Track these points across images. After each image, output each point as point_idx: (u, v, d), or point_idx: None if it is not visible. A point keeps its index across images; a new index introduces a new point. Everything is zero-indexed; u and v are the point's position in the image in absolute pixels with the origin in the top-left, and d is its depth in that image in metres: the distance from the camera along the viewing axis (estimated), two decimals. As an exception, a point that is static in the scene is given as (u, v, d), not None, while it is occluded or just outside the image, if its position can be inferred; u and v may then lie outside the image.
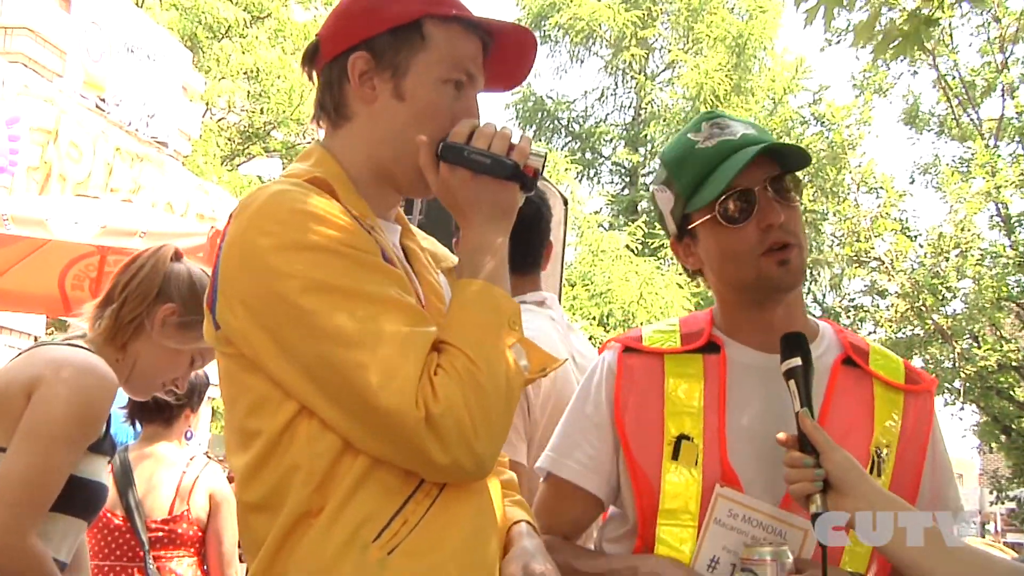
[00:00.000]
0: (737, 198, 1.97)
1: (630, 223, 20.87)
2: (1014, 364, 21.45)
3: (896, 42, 5.14)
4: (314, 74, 1.89)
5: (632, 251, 19.73)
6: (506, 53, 1.91)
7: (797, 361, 1.86)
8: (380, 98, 1.81)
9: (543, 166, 1.81)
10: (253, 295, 1.63)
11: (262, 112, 19.34)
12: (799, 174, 2.07)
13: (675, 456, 1.98)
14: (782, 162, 1.99)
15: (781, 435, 1.83)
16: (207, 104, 17.06)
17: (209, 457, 4.71)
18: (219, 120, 19.05)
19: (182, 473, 3.84)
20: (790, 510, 1.89)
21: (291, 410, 1.64)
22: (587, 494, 2.12)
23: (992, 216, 22.13)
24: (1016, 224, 21.94)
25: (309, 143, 22.84)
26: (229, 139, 19.55)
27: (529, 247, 2.80)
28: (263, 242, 1.63)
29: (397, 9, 1.81)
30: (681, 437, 1.99)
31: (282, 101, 18.86)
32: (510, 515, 1.90)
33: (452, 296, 1.77)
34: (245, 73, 18.49)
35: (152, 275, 2.59)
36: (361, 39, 1.82)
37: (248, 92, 18.84)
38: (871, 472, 1.88)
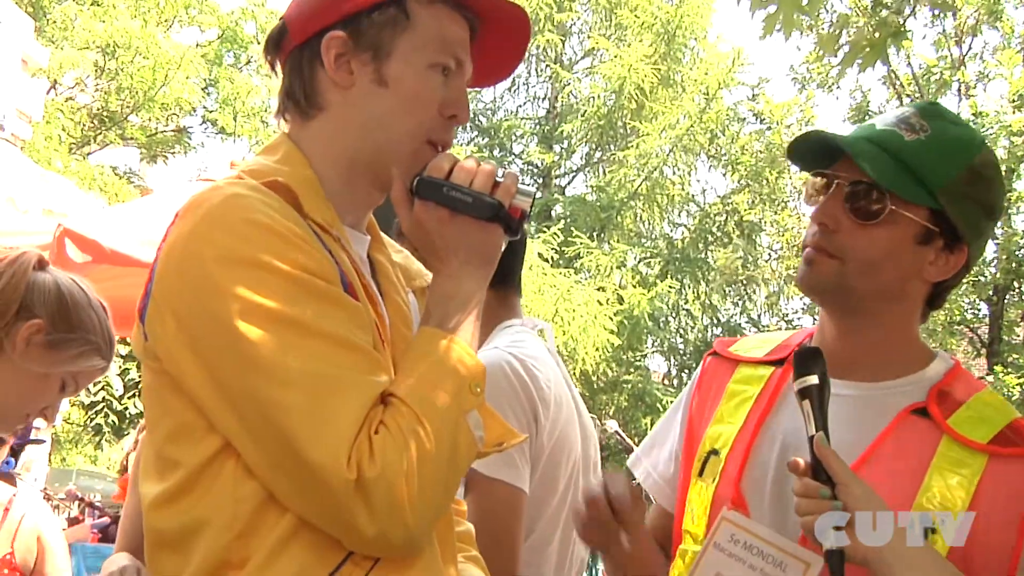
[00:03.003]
0: (817, 177, 2.03)
1: (544, 230, 20.82)
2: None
3: (864, 52, 5.21)
4: (278, 64, 1.89)
5: (546, 261, 19.72)
6: (493, 40, 1.93)
7: (813, 379, 1.82)
8: (358, 83, 1.82)
9: (531, 206, 1.81)
10: (185, 308, 1.62)
11: (119, 92, 18.92)
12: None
13: (701, 472, 2.05)
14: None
15: (794, 460, 1.80)
16: (52, 80, 16.64)
17: (48, 495, 4.60)
18: (67, 100, 18.59)
19: (4, 511, 3.72)
20: (807, 546, 1.85)
21: (216, 443, 1.62)
22: (658, 506, 2.20)
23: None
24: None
25: (173, 131, 22.69)
26: (78, 122, 19.07)
27: (504, 262, 2.37)
28: (206, 251, 1.62)
29: None
30: (711, 452, 2.04)
31: (144, 80, 18.47)
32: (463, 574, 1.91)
33: (411, 346, 1.76)
34: (100, 47, 18.07)
35: (11, 287, 2.46)
36: (337, 18, 1.81)
37: (102, 68, 18.41)
38: None
